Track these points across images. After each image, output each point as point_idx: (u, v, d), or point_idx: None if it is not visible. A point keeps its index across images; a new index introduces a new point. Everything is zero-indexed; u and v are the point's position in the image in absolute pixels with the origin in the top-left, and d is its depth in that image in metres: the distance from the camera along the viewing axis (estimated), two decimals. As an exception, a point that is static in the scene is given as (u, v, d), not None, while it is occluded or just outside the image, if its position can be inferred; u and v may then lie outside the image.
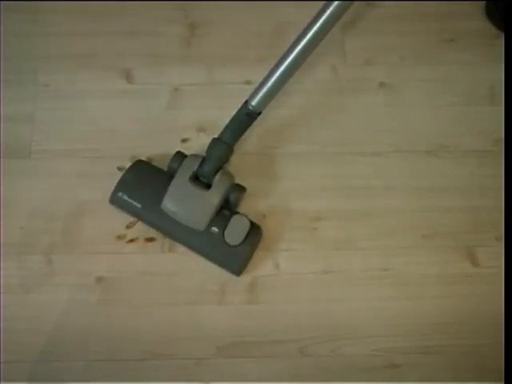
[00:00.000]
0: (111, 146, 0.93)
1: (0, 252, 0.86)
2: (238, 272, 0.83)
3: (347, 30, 1.02)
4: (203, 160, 0.83)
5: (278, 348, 0.83)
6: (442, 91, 0.97)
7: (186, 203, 0.82)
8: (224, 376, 0.81)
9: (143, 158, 0.91)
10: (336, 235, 0.88)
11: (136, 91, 0.97)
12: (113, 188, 0.85)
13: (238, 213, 0.83)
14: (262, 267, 0.86)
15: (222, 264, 0.84)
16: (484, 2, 1.01)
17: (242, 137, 0.84)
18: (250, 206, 0.88)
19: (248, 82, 0.97)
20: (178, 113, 0.95)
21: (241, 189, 0.85)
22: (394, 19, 1.02)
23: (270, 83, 0.78)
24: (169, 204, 0.82)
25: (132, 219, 0.88)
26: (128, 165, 0.88)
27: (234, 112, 0.95)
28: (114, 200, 0.85)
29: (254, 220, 0.85)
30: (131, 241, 0.87)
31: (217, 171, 0.83)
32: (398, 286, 0.86)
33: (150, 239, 0.87)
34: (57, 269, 0.86)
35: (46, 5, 1.01)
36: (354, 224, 0.89)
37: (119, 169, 0.91)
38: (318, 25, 0.73)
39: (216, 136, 0.84)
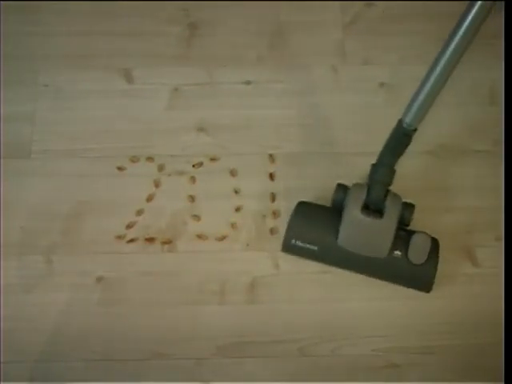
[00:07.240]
0: (111, 146, 0.93)
1: (0, 252, 0.86)
2: (429, 290, 0.82)
3: (347, 29, 1.02)
4: (369, 188, 0.80)
5: (277, 348, 0.83)
6: (441, 91, 0.97)
7: (364, 235, 0.80)
8: (224, 376, 0.81)
9: (143, 158, 0.91)
10: (336, 235, 0.88)
11: (136, 91, 0.97)
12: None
13: (414, 231, 0.81)
14: (262, 267, 0.86)
15: (411, 285, 0.83)
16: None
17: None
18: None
19: (248, 82, 0.97)
20: (178, 113, 0.95)
21: (411, 207, 0.83)
22: (394, 19, 1.02)
23: (421, 97, 0.76)
24: (347, 239, 0.81)
25: (132, 219, 0.88)
26: (128, 165, 0.88)
27: (233, 112, 0.95)
28: (288, 248, 0.84)
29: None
30: (131, 241, 0.87)
31: (385, 196, 0.80)
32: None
33: (150, 239, 0.87)
34: (57, 269, 0.85)
35: (46, 5, 1.01)
36: (354, 224, 0.89)
37: (119, 169, 0.91)
38: (463, 28, 0.69)
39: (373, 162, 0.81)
